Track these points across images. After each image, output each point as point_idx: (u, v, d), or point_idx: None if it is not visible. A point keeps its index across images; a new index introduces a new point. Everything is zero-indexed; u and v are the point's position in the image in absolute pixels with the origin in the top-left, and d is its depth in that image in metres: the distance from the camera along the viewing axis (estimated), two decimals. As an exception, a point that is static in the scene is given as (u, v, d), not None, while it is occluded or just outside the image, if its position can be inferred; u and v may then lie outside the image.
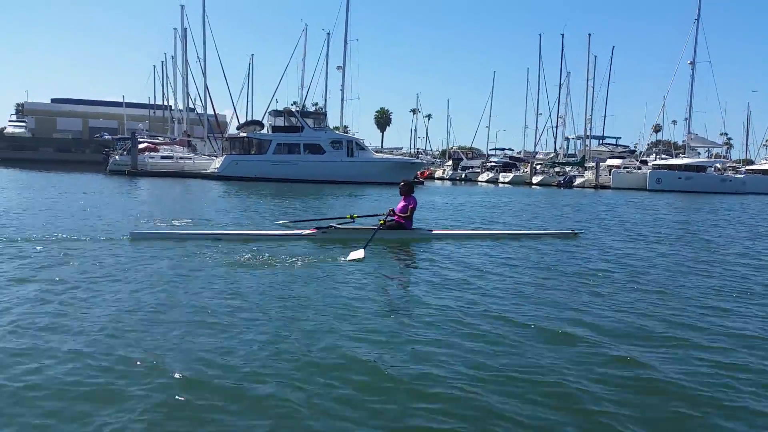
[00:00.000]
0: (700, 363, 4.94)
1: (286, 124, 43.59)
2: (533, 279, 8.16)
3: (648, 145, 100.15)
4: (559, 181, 57.33)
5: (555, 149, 68.83)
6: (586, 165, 59.15)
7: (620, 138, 79.89)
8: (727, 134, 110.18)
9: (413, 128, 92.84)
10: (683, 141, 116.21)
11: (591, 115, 72.50)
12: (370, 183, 41.52)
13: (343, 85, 49.51)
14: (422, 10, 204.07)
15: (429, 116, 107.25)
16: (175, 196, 24.95)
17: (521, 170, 63.96)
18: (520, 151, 74.68)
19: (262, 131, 43.49)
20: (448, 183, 64.40)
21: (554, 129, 67.91)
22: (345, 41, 48.93)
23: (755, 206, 32.04)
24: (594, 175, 55.42)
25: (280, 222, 12.97)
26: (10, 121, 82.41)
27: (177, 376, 4.20)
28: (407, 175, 45.95)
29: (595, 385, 4.35)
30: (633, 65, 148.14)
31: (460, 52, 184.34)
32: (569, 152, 76.19)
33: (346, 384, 4.20)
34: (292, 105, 48.67)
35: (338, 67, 49.11)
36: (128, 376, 4.22)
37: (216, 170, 41.43)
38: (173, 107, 56.93)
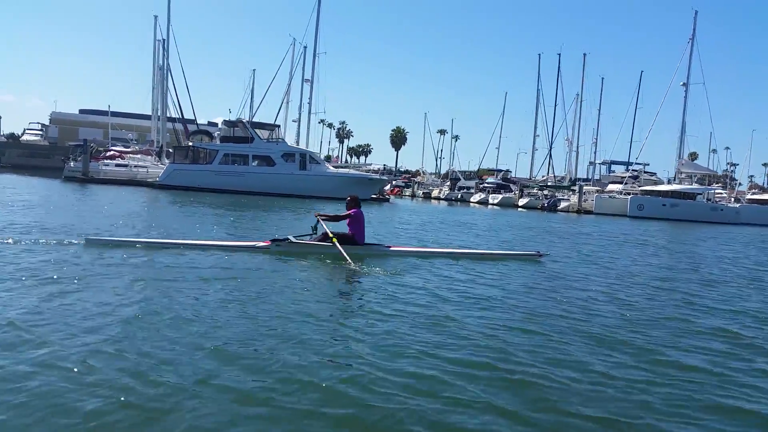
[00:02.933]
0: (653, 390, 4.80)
1: (239, 135, 42.92)
2: (487, 297, 8.04)
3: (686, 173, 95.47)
4: (543, 204, 54.71)
5: (549, 172, 65.84)
6: (572, 189, 56.19)
7: (648, 164, 75.81)
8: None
9: (440, 148, 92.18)
10: (723, 171, 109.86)
11: (596, 138, 69.48)
12: (325, 198, 40.26)
13: (310, 99, 48.68)
14: (432, 28, 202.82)
15: (456, 137, 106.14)
16: (96, 203, 24.34)
17: (513, 192, 61.76)
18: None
19: (212, 141, 43.04)
20: (444, 203, 62.83)
21: (549, 151, 64.91)
22: (314, 54, 48.22)
23: (727, 238, 28.84)
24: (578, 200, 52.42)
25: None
26: (27, 129, 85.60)
27: (125, 387, 4.10)
28: (365, 191, 44.43)
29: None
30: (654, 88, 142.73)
31: (473, 72, 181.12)
32: (595, 177, 73.13)
33: (294, 395, 4.16)
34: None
35: (306, 80, 48.32)
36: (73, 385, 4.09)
37: (158, 179, 41.10)
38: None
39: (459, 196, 67.38)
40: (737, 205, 50.38)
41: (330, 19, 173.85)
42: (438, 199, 69.63)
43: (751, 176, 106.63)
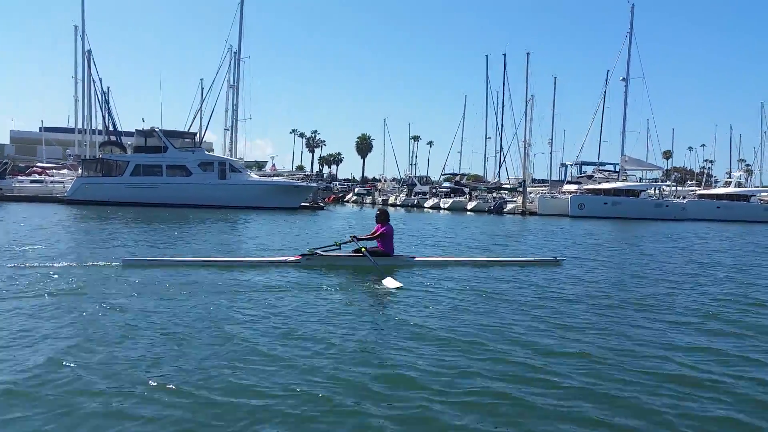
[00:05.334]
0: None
1: (154, 144, 40.97)
2: (511, 302, 8.34)
3: (663, 172, 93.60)
4: (489, 206, 52.98)
5: (499, 174, 64.01)
6: (518, 190, 54.49)
7: (618, 164, 74.11)
8: (744, 160, 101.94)
9: (414, 155, 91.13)
10: (700, 168, 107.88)
11: (552, 138, 67.78)
12: (249, 208, 38.39)
13: (236, 104, 46.74)
14: (390, 33, 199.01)
15: (431, 143, 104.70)
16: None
17: (465, 196, 60.08)
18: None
19: (124, 152, 41.13)
20: (401, 210, 61.07)
21: (500, 152, 63.08)
22: (238, 59, 46.37)
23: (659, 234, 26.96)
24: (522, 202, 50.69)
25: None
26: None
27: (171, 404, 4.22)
28: (292, 200, 42.55)
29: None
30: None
31: (437, 76, 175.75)
32: (565, 179, 71.45)
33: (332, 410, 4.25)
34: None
35: (230, 86, 46.46)
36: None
37: (65, 195, 39.18)
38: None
39: (415, 202, 65.95)
40: (684, 201, 48.60)
41: (304, 26, 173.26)
42: (394, 205, 67.97)
43: (728, 173, 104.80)
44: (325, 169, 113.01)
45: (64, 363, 5.01)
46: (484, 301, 8.39)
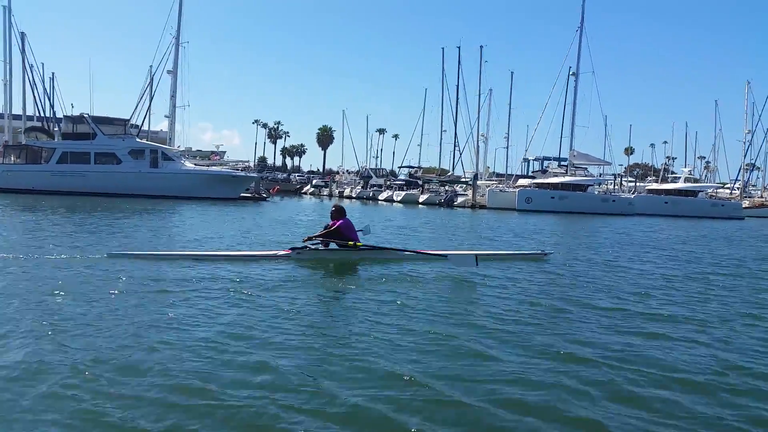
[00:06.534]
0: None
1: (83, 131, 39.01)
2: (497, 296, 8.33)
3: (625, 168, 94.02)
4: (440, 200, 52.13)
5: (453, 168, 63.31)
6: (469, 183, 53.79)
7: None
8: (704, 157, 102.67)
9: (380, 148, 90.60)
10: (662, 164, 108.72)
11: (508, 133, 67.23)
12: (183, 198, 36.73)
13: (174, 91, 44.90)
14: (356, 28, 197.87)
15: (396, 136, 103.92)
16: None
17: (418, 189, 59.22)
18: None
19: (51, 139, 39.14)
20: (357, 202, 59.88)
21: (454, 146, 62.25)
22: (177, 44, 44.51)
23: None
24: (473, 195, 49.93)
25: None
26: None
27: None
28: (230, 190, 40.95)
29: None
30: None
31: (394, 69, 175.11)
32: (528, 173, 71.03)
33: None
34: None
35: (168, 72, 44.60)
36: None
37: (-16, 182, 37.11)
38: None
39: (370, 194, 64.91)
40: (631, 196, 48.29)
41: (268, 18, 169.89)
42: (350, 197, 66.88)
43: (690, 170, 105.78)
44: (288, 161, 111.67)
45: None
46: (490, 294, 8.51)
